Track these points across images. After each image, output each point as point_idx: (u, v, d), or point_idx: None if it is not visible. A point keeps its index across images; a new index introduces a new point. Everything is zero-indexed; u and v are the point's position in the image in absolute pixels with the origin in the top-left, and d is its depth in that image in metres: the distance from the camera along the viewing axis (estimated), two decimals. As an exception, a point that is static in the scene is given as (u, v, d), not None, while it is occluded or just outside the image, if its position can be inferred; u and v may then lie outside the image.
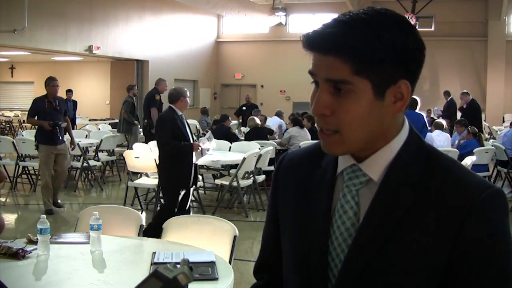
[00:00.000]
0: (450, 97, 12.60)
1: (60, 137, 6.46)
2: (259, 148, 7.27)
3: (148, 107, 9.12)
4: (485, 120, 14.75)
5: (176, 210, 5.28)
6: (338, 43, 0.89)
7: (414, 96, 7.72)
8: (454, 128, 9.55)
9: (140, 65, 15.50)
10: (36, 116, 6.44)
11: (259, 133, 8.70)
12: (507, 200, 0.92)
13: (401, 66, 0.91)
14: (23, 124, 17.40)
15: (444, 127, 9.00)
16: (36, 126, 6.74)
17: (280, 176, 1.14)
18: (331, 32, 0.90)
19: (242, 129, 11.27)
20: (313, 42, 0.92)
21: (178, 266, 0.90)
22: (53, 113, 6.40)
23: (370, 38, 0.88)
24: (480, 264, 0.88)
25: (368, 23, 0.90)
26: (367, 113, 0.91)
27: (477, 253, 0.88)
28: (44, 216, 2.56)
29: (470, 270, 0.88)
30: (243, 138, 9.23)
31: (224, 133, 8.63)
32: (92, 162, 8.30)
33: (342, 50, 0.89)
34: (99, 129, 11.43)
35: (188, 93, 5.39)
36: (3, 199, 7.56)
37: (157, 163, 5.43)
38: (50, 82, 6.45)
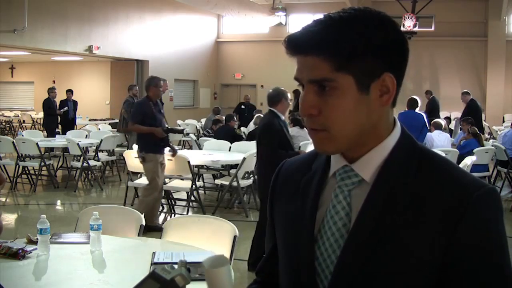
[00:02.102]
0: (432, 96, 12.71)
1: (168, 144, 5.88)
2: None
3: None
4: (485, 120, 14.75)
5: None
6: (315, 42, 0.90)
7: (414, 96, 7.72)
8: (460, 126, 9.54)
9: (140, 65, 15.49)
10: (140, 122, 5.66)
11: None
12: (500, 198, 0.93)
13: (382, 59, 0.91)
14: (23, 124, 17.42)
15: (444, 127, 8.99)
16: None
17: (277, 184, 1.15)
18: (309, 32, 0.92)
19: (242, 129, 11.25)
20: (293, 44, 0.93)
21: (176, 267, 0.90)
22: (159, 117, 5.75)
23: (347, 33, 0.89)
24: (476, 262, 0.87)
25: (346, 20, 0.91)
26: (353, 108, 0.91)
27: (473, 251, 0.87)
28: (44, 216, 2.56)
29: (466, 269, 0.88)
30: (244, 138, 9.21)
31: (228, 134, 8.62)
32: (92, 162, 8.30)
33: (320, 48, 0.90)
34: (99, 129, 11.43)
35: (288, 94, 4.71)
36: (3, 199, 7.56)
37: (256, 173, 4.88)
38: (158, 83, 5.69)
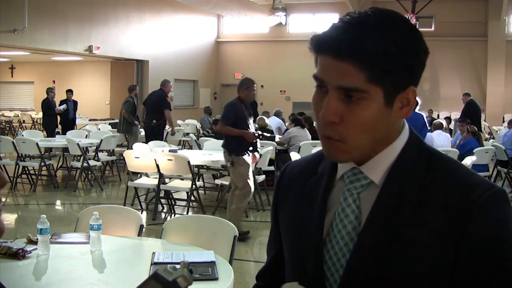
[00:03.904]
0: None
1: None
2: (259, 148, 7.26)
3: (160, 108, 9.07)
4: (485, 120, 14.76)
5: None
6: (355, 50, 0.86)
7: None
8: (458, 126, 9.56)
9: (140, 65, 15.50)
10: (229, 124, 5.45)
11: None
12: (509, 199, 0.92)
13: (411, 72, 0.90)
14: (23, 124, 17.42)
15: (444, 127, 8.99)
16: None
17: (281, 187, 1.14)
18: (346, 38, 0.87)
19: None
20: (327, 45, 0.89)
21: (178, 267, 0.90)
22: (250, 121, 5.58)
23: (386, 43, 0.86)
24: (486, 263, 0.87)
25: (381, 27, 0.87)
26: (376, 120, 0.90)
27: (482, 253, 0.87)
28: (44, 216, 2.56)
29: (475, 270, 0.87)
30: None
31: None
32: (92, 162, 8.29)
33: (359, 57, 0.86)
34: (99, 129, 11.43)
35: None
36: (3, 199, 7.54)
37: None
38: (251, 86, 5.56)
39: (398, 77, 0.88)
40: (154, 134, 9.10)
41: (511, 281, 0.87)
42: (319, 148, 1.02)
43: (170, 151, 6.93)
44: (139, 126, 9.93)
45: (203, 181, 7.70)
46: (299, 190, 1.06)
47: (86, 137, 9.46)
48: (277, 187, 1.15)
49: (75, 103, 11.57)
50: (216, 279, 2.24)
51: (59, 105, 11.16)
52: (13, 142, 8.00)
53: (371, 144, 0.93)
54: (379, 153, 0.95)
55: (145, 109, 9.49)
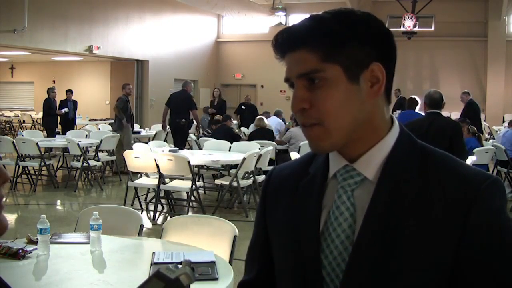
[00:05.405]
0: (400, 96, 12.88)
1: None
2: (259, 148, 7.27)
3: (187, 108, 9.63)
4: (485, 120, 14.75)
5: None
6: (302, 35, 0.92)
7: (414, 96, 7.72)
8: None
9: (140, 65, 15.48)
10: None
11: (264, 134, 8.69)
12: (504, 187, 0.93)
13: (369, 48, 0.92)
14: (23, 124, 17.41)
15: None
16: None
17: (269, 192, 1.12)
18: (294, 28, 0.95)
19: (242, 129, 11.26)
20: (282, 42, 0.95)
21: (180, 266, 0.90)
22: None
23: (332, 23, 0.92)
24: (488, 253, 0.88)
25: (330, 14, 0.93)
26: (345, 98, 0.91)
27: (484, 242, 0.88)
28: (44, 216, 2.56)
29: (478, 260, 0.88)
30: (245, 138, 9.24)
31: (227, 133, 8.63)
32: (92, 162, 8.30)
33: (307, 40, 0.91)
34: (99, 129, 11.43)
35: None
36: (3, 199, 7.54)
37: None
38: None
39: (352, 51, 0.91)
40: (184, 132, 9.70)
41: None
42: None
43: (170, 151, 6.93)
44: (130, 124, 9.87)
45: (203, 181, 7.70)
46: (291, 193, 1.05)
47: (86, 137, 9.46)
48: (264, 192, 1.13)
49: (75, 103, 11.57)
50: (216, 279, 2.24)
51: (60, 105, 11.17)
52: (13, 142, 8.00)
53: (351, 127, 0.93)
54: (370, 149, 0.95)
55: (170, 110, 9.84)
